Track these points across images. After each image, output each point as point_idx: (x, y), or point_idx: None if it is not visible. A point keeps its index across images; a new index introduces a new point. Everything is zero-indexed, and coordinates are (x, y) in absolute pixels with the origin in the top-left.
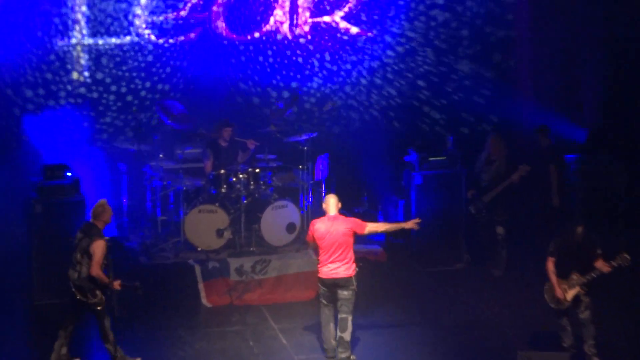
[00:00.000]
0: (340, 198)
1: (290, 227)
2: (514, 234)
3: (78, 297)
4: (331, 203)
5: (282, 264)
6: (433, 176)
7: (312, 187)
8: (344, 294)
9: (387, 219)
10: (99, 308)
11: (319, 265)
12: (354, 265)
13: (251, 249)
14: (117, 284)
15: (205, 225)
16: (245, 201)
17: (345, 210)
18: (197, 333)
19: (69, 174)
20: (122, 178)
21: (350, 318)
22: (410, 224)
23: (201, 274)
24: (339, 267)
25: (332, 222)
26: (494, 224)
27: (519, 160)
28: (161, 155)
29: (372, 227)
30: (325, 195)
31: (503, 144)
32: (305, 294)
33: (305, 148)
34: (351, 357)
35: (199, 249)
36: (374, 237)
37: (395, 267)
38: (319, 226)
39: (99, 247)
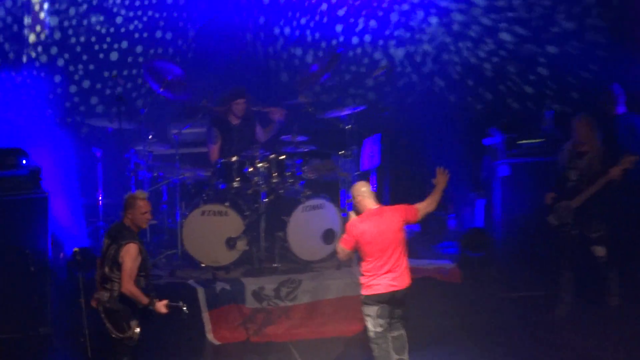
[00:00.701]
0: (397, 196)
1: (328, 235)
2: (618, 253)
3: (113, 335)
4: (367, 192)
5: (317, 286)
6: (525, 165)
7: (357, 180)
8: (399, 311)
9: (462, 225)
10: (129, 345)
11: (366, 279)
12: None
13: (274, 265)
14: (161, 305)
15: (211, 233)
16: (266, 199)
17: None
18: None
19: (24, 161)
20: (97, 167)
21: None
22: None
23: (206, 300)
24: (397, 276)
25: (380, 218)
26: (588, 243)
27: (620, 149)
28: (150, 137)
29: (422, 206)
30: (375, 189)
31: (595, 129)
32: (348, 327)
33: (349, 127)
34: None
35: (203, 264)
36: (444, 250)
37: (472, 291)
38: (365, 227)
39: (128, 254)
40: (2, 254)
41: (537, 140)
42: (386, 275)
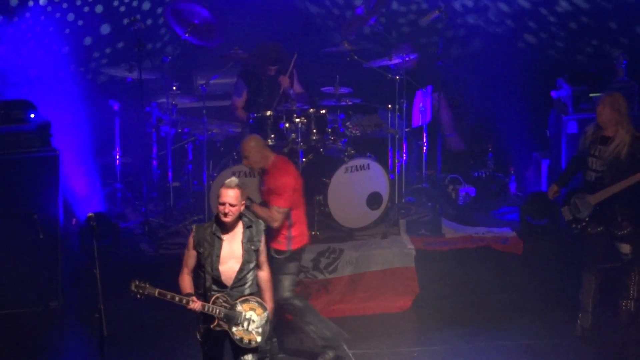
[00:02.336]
0: (449, 155)
1: (374, 200)
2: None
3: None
4: (262, 142)
5: (360, 257)
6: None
7: (407, 137)
8: None
9: (524, 188)
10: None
11: (296, 231)
12: None
13: (313, 232)
14: (195, 305)
15: None
16: (304, 159)
17: (462, 174)
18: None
19: (33, 115)
20: (115, 122)
21: None
22: None
23: None
24: None
25: (291, 163)
26: (611, 240)
27: None
28: (174, 88)
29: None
30: (427, 148)
31: (623, 110)
32: (395, 303)
33: (398, 78)
34: None
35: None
36: (504, 217)
37: (535, 263)
38: (295, 174)
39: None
40: (8, 220)
41: None
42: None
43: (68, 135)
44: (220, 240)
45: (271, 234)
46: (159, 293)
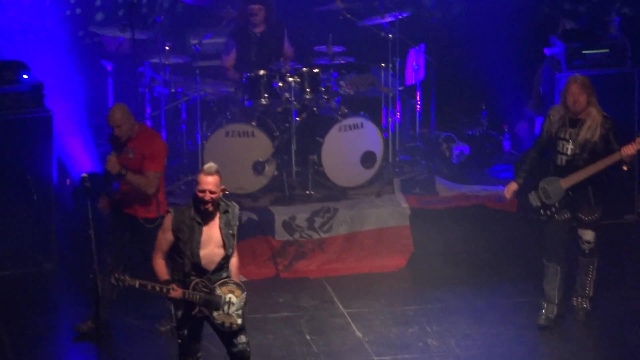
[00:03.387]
0: (444, 113)
1: (368, 158)
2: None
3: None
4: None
5: (355, 216)
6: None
7: (400, 95)
8: None
9: (518, 146)
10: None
11: (163, 196)
12: None
13: (307, 192)
14: (175, 293)
15: (236, 156)
16: (297, 118)
17: (456, 133)
18: None
19: (26, 76)
20: (108, 82)
21: None
22: None
23: None
24: None
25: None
26: (576, 225)
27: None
28: (167, 47)
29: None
30: (421, 107)
31: (592, 92)
32: (390, 262)
33: (391, 36)
34: None
35: (227, 192)
36: (498, 175)
37: (530, 220)
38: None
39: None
40: (2, 181)
41: (603, 51)
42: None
43: (61, 96)
44: (200, 225)
45: (141, 202)
46: (140, 284)
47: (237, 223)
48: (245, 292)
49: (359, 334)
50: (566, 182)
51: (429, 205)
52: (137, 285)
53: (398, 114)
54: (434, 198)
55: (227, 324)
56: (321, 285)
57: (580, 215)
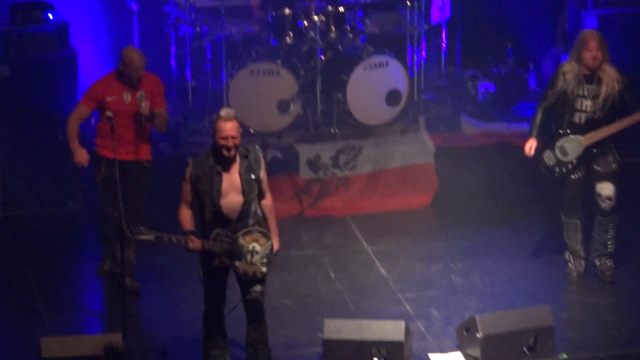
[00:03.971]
0: (469, 53)
1: (393, 97)
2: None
3: None
4: None
5: (380, 154)
6: (615, 16)
7: (426, 34)
8: None
9: (543, 84)
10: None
11: None
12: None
13: (332, 130)
14: (194, 242)
15: (261, 95)
16: (322, 57)
17: (481, 71)
18: None
19: (51, 16)
20: (133, 22)
21: None
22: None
23: None
24: None
25: None
26: (594, 179)
27: None
28: None
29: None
30: (446, 45)
31: (607, 48)
32: (414, 200)
33: None
34: None
35: (252, 130)
36: (523, 112)
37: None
38: None
39: None
40: (27, 121)
41: None
42: None
43: (87, 36)
44: (220, 174)
45: (142, 144)
46: (156, 237)
47: (261, 166)
48: (271, 240)
49: (383, 271)
50: (587, 140)
51: (454, 143)
52: (153, 238)
53: (423, 52)
54: (459, 136)
55: (250, 273)
56: (345, 223)
57: (597, 168)
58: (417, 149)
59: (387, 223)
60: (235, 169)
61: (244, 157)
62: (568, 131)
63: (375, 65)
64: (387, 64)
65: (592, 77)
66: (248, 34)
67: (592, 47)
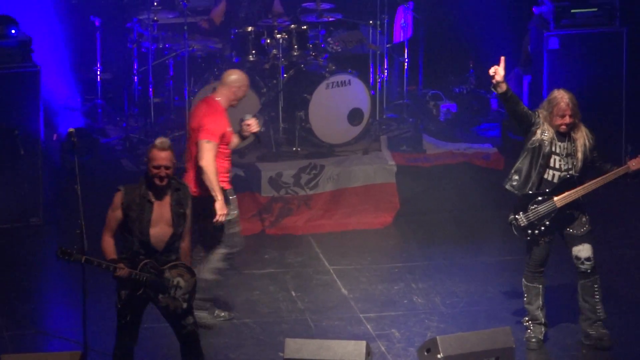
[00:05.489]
0: (431, 71)
1: (355, 115)
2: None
3: None
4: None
5: (342, 173)
6: (577, 37)
7: (388, 53)
8: None
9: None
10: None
11: None
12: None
13: (294, 148)
14: (122, 271)
15: None
16: (285, 75)
17: (443, 90)
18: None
19: (14, 31)
20: (96, 38)
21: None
22: (218, 205)
23: None
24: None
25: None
26: (568, 243)
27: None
28: (155, 3)
29: (204, 146)
30: (408, 64)
31: (576, 107)
32: (376, 219)
33: None
34: None
35: (181, 165)
36: (485, 133)
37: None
38: None
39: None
40: None
41: (592, 10)
42: None
43: (49, 51)
44: (151, 203)
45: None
46: (86, 260)
47: (188, 204)
48: (195, 277)
49: (344, 290)
50: (561, 201)
51: (415, 162)
52: (82, 260)
53: (385, 71)
54: (420, 155)
55: (171, 307)
56: (307, 242)
57: (572, 231)
58: (379, 168)
59: (348, 242)
60: (167, 200)
61: (176, 189)
62: (540, 191)
63: (338, 84)
64: (350, 82)
65: (564, 134)
66: (210, 51)
67: (564, 113)
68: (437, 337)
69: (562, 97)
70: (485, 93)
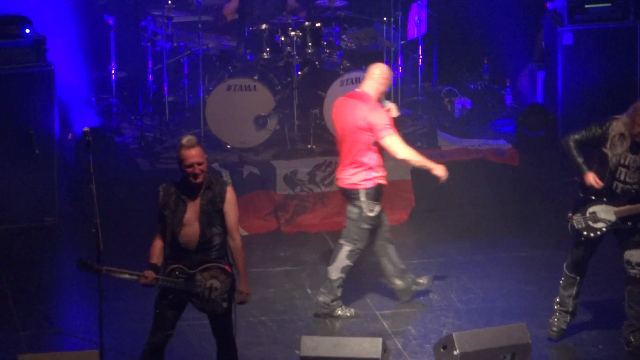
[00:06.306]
0: (445, 68)
1: None
2: None
3: None
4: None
5: None
6: (591, 32)
7: (402, 50)
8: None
9: (519, 100)
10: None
11: None
12: (362, 175)
13: (309, 146)
14: (150, 276)
15: (238, 110)
16: (299, 72)
17: (458, 87)
18: None
19: (28, 30)
20: (110, 37)
21: (345, 248)
22: (438, 169)
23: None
24: (342, 171)
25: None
26: (621, 246)
27: None
28: (170, 2)
29: (391, 141)
30: (422, 61)
31: None
32: (393, 216)
33: None
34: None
35: (229, 146)
36: (499, 129)
37: (531, 174)
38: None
39: None
40: (4, 135)
41: (606, 5)
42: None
43: (63, 50)
44: (185, 203)
45: None
46: (106, 271)
47: (225, 199)
48: (232, 278)
49: (360, 287)
50: (621, 213)
51: (430, 159)
52: (103, 271)
53: (400, 68)
54: (435, 152)
55: (208, 309)
56: (322, 239)
57: (627, 235)
58: (394, 165)
59: None
60: (199, 199)
61: (207, 187)
62: (603, 199)
63: (352, 81)
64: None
65: (638, 146)
66: (225, 49)
67: (635, 113)
68: (453, 334)
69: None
70: (499, 89)
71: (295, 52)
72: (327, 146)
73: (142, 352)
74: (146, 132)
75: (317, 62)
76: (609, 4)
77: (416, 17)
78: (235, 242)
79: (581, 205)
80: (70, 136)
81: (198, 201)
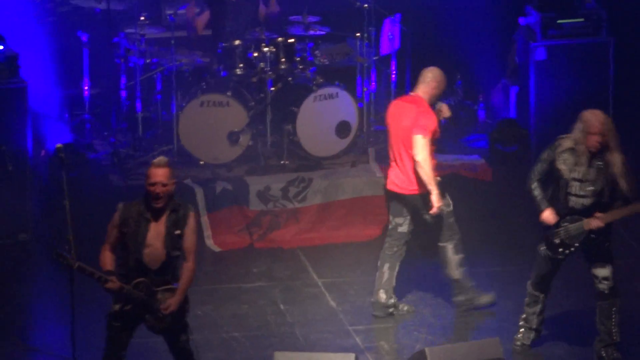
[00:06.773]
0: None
1: (343, 128)
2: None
3: None
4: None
5: (329, 186)
6: (564, 48)
7: (375, 65)
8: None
9: (492, 115)
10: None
11: None
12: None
13: (282, 162)
14: (113, 285)
15: (210, 126)
16: (272, 88)
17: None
18: (198, 293)
19: (1, 47)
20: (83, 53)
21: (448, 247)
22: (436, 199)
23: (205, 202)
24: (393, 174)
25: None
26: (587, 261)
27: None
28: (142, 18)
29: (419, 141)
30: (396, 77)
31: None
32: (364, 232)
33: (366, 5)
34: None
35: (202, 162)
36: (473, 144)
37: (505, 189)
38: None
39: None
40: None
41: (578, 20)
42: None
43: (37, 67)
44: (148, 221)
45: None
46: (79, 267)
47: (187, 224)
48: (189, 304)
49: (333, 303)
50: (589, 225)
51: None
52: (75, 266)
53: (373, 83)
54: None
55: (158, 328)
56: (295, 255)
57: (592, 249)
58: (367, 181)
59: (337, 255)
60: (163, 220)
61: (173, 210)
62: (567, 217)
63: (325, 97)
64: (337, 95)
65: (588, 160)
66: (198, 65)
67: (600, 132)
68: (426, 349)
69: (590, 116)
70: (472, 104)
71: (268, 68)
72: (301, 162)
73: None
74: (119, 148)
75: (290, 78)
76: (582, 20)
77: (389, 33)
78: (188, 264)
79: (550, 229)
80: (43, 152)
81: (163, 223)
